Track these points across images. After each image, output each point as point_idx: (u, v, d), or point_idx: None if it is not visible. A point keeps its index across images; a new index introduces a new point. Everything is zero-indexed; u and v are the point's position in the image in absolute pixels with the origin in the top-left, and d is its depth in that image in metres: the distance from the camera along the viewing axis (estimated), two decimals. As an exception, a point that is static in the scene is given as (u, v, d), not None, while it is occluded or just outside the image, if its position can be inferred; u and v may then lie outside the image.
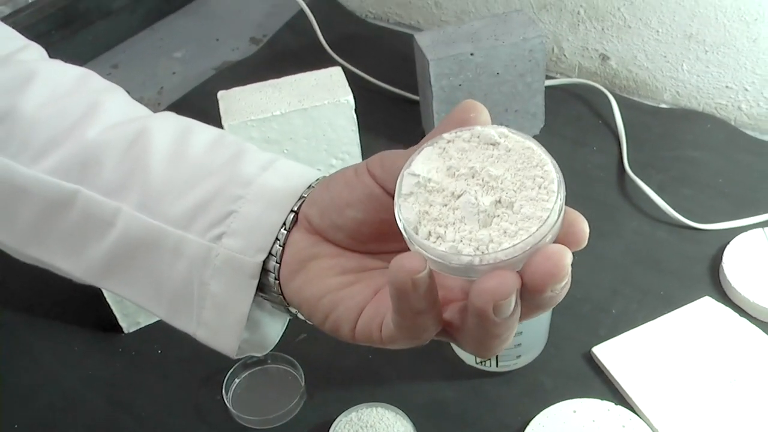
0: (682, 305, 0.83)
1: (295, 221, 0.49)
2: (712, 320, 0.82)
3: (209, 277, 0.51)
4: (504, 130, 0.40)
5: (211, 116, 0.92)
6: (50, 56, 0.62)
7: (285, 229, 0.49)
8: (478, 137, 0.40)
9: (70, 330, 0.88)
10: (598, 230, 0.91)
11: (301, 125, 0.91)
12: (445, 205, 0.39)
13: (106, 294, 0.83)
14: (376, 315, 0.44)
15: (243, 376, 0.81)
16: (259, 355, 0.64)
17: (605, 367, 0.78)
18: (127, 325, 0.86)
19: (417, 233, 0.38)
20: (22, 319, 0.90)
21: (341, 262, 0.48)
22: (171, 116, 0.57)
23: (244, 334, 0.52)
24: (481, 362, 0.79)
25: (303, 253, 0.49)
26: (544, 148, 0.40)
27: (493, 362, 0.78)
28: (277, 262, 0.49)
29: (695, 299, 0.84)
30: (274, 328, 0.56)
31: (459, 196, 0.39)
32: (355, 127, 0.94)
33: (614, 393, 0.77)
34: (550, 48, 1.18)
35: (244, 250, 0.50)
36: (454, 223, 0.38)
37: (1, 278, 0.92)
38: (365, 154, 0.97)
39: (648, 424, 0.73)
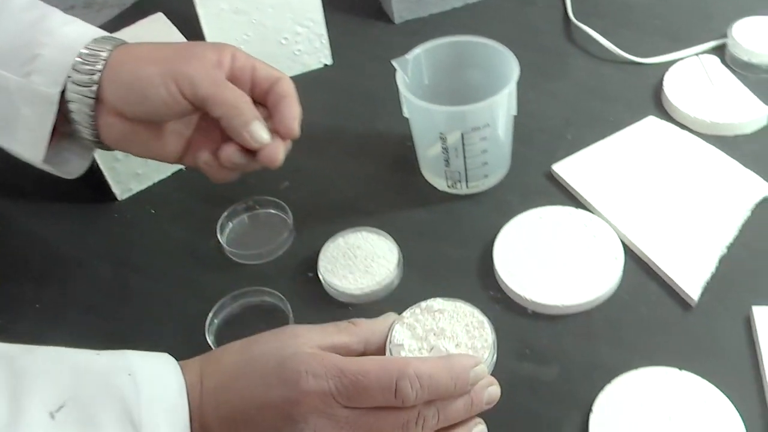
0: (630, 125, 0.91)
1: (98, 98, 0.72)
2: (656, 134, 0.90)
3: (22, 105, 0.72)
4: (439, 299, 0.66)
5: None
6: None
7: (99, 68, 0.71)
8: (425, 308, 0.66)
9: (65, 208, 0.94)
10: (549, 72, 1.00)
11: (267, -5, 0.97)
12: (420, 351, 0.63)
13: (99, 161, 0.88)
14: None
15: (235, 221, 0.87)
16: (66, 177, 0.79)
17: (565, 181, 0.86)
18: (120, 192, 0.92)
19: None
20: (17, 205, 0.95)
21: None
22: None
23: (54, 160, 0.76)
24: (452, 185, 0.86)
25: (120, 132, 0.74)
26: (467, 302, 0.66)
27: (464, 184, 0.85)
28: (90, 96, 0.71)
29: (641, 119, 0.92)
30: (79, 162, 0.80)
31: (431, 349, 0.63)
32: (318, -5, 1.00)
33: (575, 202, 0.85)
34: None
35: (46, 84, 0.71)
36: None
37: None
38: (328, 21, 1.03)
39: (607, 222, 0.81)
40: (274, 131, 0.72)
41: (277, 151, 0.71)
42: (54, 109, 0.72)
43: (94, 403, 0.52)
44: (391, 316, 0.66)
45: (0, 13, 0.73)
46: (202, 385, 0.57)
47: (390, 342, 0.63)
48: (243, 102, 0.70)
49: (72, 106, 0.72)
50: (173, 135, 0.75)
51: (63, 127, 0.75)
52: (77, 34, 0.72)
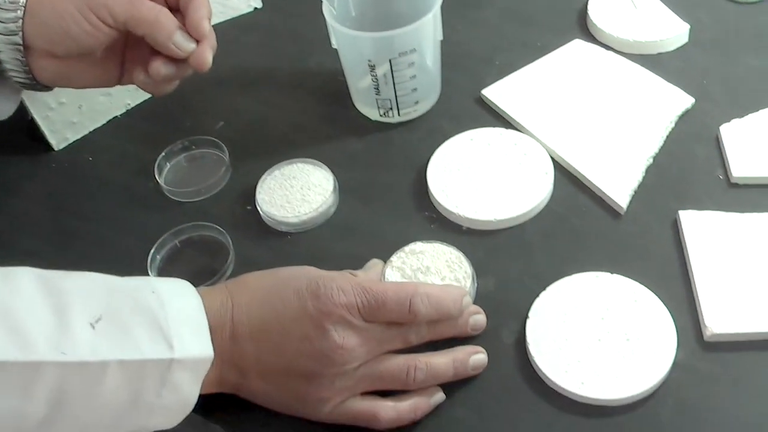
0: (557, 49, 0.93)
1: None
2: (582, 56, 0.92)
3: None
4: (419, 243, 0.74)
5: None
6: None
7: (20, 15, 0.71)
8: (408, 251, 0.73)
9: (1, 161, 0.94)
10: (476, 2, 1.01)
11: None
12: None
13: (33, 112, 0.88)
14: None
15: (172, 161, 0.88)
16: None
17: (495, 104, 0.88)
18: (57, 141, 0.92)
19: None
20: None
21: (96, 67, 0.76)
22: None
23: None
24: (383, 114, 0.87)
25: (58, 73, 0.75)
26: (444, 243, 0.74)
27: (395, 112, 0.87)
28: (18, 44, 0.72)
29: (567, 43, 0.94)
30: (8, 104, 0.80)
31: None
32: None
33: (505, 124, 0.87)
34: None
35: None
36: None
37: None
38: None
39: (537, 140, 0.83)
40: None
41: (205, 55, 0.74)
42: None
43: (127, 316, 0.58)
44: (377, 262, 0.73)
45: None
46: (232, 303, 0.63)
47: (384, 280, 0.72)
48: (162, 15, 0.73)
49: (2, 56, 0.73)
50: (107, 61, 0.77)
51: None
52: None
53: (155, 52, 0.74)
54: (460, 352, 0.67)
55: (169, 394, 0.58)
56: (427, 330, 0.66)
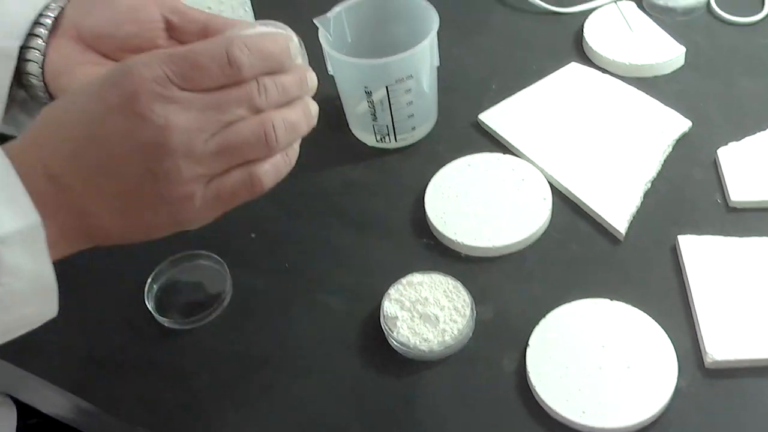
0: (553, 72, 0.93)
1: (56, 25, 0.66)
2: (579, 79, 0.92)
3: None
4: (417, 274, 0.74)
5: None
6: None
7: (45, 29, 0.66)
8: (406, 283, 0.73)
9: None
10: (472, 27, 1.02)
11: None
12: (413, 319, 0.71)
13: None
14: None
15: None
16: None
17: (492, 129, 0.88)
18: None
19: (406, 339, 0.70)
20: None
21: (105, 64, 0.66)
22: None
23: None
24: (380, 139, 0.87)
25: (71, 58, 0.66)
26: (441, 273, 0.74)
27: (392, 138, 0.87)
28: (41, 54, 0.66)
29: (564, 66, 0.94)
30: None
31: (420, 316, 0.71)
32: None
33: (502, 149, 0.86)
34: None
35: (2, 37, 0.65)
36: (423, 326, 0.71)
37: None
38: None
39: (534, 165, 0.83)
40: None
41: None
42: (11, 65, 0.66)
43: None
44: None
45: None
46: (32, 142, 0.52)
47: (383, 316, 0.71)
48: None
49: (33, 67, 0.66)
50: None
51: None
52: None
53: None
54: (306, 100, 0.58)
55: (12, 280, 0.49)
56: (274, 86, 0.54)
